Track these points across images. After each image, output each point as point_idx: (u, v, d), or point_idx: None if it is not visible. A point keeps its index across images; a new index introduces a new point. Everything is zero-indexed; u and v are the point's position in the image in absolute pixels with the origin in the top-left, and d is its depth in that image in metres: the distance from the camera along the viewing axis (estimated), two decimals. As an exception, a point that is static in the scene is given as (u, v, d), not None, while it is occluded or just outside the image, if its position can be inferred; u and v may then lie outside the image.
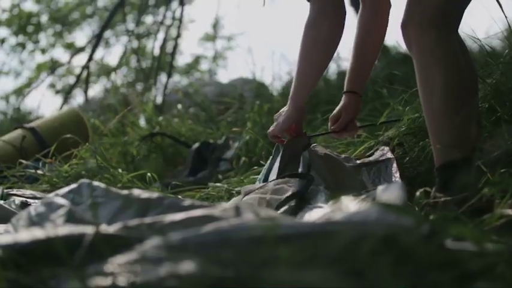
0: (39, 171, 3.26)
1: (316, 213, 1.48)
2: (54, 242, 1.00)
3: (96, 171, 3.12)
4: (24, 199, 2.55)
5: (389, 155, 2.32)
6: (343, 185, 2.19)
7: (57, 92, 11.68)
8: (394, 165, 2.24)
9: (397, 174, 2.19)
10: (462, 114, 1.85)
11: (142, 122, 5.53)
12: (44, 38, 12.46)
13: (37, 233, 1.04)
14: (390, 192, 1.16)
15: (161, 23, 10.89)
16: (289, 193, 2.16)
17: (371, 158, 2.38)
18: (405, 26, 2.04)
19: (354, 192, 1.95)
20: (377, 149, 2.47)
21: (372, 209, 1.01)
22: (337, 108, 2.62)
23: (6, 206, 2.45)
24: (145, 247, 0.97)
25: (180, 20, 10.57)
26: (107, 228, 1.09)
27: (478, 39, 2.52)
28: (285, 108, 2.49)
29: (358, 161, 2.39)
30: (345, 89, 2.62)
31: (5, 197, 2.70)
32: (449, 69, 1.93)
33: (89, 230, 1.05)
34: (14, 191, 2.82)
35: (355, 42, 2.61)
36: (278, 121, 2.48)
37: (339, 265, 0.85)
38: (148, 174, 3.16)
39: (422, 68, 1.98)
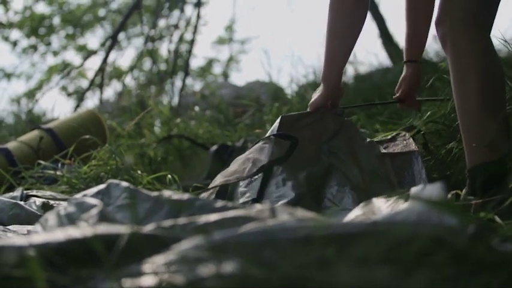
0: (58, 172, 3.25)
1: (348, 216, 1.45)
2: (91, 241, 0.98)
3: (116, 172, 3.11)
4: (45, 200, 2.54)
5: (413, 146, 2.29)
6: (367, 179, 2.17)
7: (69, 94, 11.70)
8: (420, 159, 2.21)
9: (424, 171, 2.16)
10: (499, 115, 1.83)
11: (157, 124, 5.52)
12: (56, 40, 12.49)
13: (73, 232, 1.02)
14: (429, 192, 1.14)
15: (176, 26, 10.91)
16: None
17: (396, 149, 2.35)
18: (440, 23, 2.02)
19: (381, 190, 1.95)
20: (398, 134, 2.45)
21: (413, 209, 0.99)
22: (400, 79, 2.67)
23: (26, 206, 2.45)
24: (184, 247, 0.95)
25: (197, 21, 10.58)
26: (142, 229, 1.07)
27: (504, 40, 2.49)
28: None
29: (382, 150, 2.36)
30: (404, 59, 2.66)
31: (25, 198, 2.69)
32: (485, 69, 1.91)
33: (125, 229, 1.04)
34: (34, 192, 2.81)
35: (407, 12, 2.61)
36: (312, 99, 2.48)
37: (390, 265, 0.83)
38: (169, 176, 3.14)
39: (458, 67, 1.96)
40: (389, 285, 0.81)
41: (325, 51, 2.36)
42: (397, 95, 2.67)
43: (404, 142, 2.35)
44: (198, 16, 10.72)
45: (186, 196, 1.37)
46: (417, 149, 2.27)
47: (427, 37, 2.64)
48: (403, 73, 2.66)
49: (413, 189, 1.33)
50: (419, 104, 2.70)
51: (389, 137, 2.46)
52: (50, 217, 1.35)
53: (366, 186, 2.15)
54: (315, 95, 2.46)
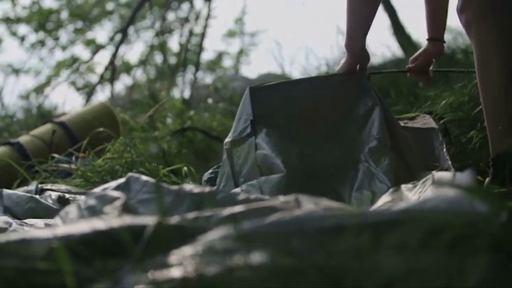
0: (72, 166, 3.24)
1: (377, 203, 1.45)
2: (118, 232, 0.97)
3: (131, 165, 3.10)
4: (61, 193, 2.53)
5: (433, 124, 2.27)
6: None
7: (79, 89, 11.69)
8: (440, 136, 2.18)
9: (444, 146, 2.13)
10: None
11: (169, 116, 5.51)
12: (64, 35, 12.48)
13: (98, 224, 1.00)
14: (459, 179, 1.12)
15: (186, 19, 10.91)
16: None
17: (415, 125, 2.33)
18: (464, 10, 1.99)
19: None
20: (418, 115, 2.44)
21: (444, 196, 0.97)
22: (419, 52, 2.66)
23: (42, 200, 2.44)
24: (212, 237, 0.94)
25: (207, 14, 10.59)
26: (168, 220, 1.06)
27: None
28: None
29: (401, 123, 2.33)
30: (427, 37, 2.64)
31: (39, 192, 2.69)
32: (511, 55, 1.88)
33: (151, 221, 1.02)
34: (48, 186, 2.80)
35: None
36: (339, 67, 2.43)
37: (429, 252, 0.82)
38: (185, 168, 3.13)
39: (483, 53, 1.93)
40: (434, 271, 0.80)
41: (346, 18, 2.33)
42: (411, 65, 2.66)
43: (424, 121, 2.34)
44: (209, 9, 10.73)
45: (207, 189, 1.35)
46: (437, 126, 2.25)
47: (446, 15, 2.62)
48: (424, 47, 2.65)
49: (438, 175, 1.32)
50: (430, 77, 2.67)
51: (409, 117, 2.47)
52: (71, 210, 1.34)
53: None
54: (340, 63, 2.43)
